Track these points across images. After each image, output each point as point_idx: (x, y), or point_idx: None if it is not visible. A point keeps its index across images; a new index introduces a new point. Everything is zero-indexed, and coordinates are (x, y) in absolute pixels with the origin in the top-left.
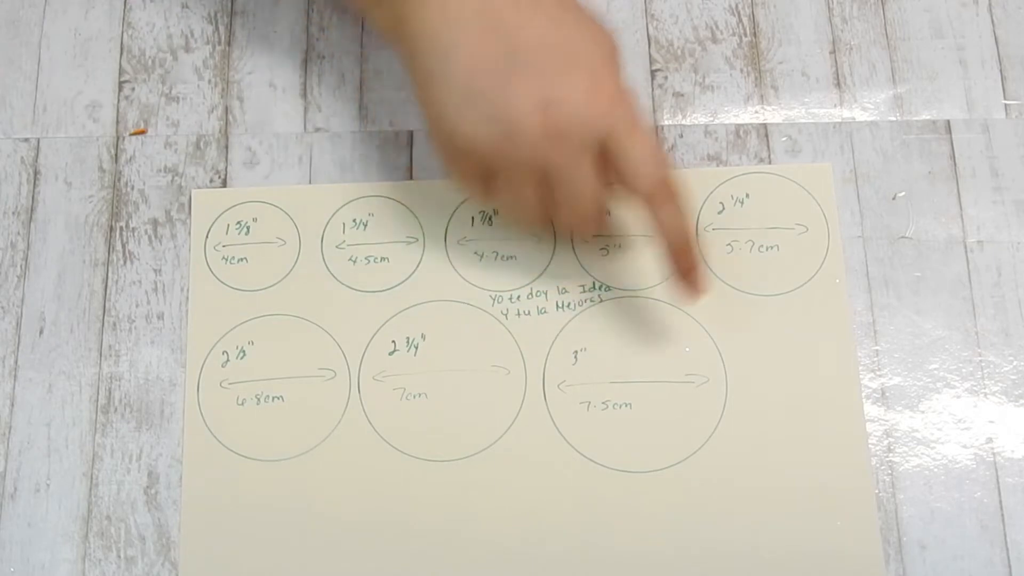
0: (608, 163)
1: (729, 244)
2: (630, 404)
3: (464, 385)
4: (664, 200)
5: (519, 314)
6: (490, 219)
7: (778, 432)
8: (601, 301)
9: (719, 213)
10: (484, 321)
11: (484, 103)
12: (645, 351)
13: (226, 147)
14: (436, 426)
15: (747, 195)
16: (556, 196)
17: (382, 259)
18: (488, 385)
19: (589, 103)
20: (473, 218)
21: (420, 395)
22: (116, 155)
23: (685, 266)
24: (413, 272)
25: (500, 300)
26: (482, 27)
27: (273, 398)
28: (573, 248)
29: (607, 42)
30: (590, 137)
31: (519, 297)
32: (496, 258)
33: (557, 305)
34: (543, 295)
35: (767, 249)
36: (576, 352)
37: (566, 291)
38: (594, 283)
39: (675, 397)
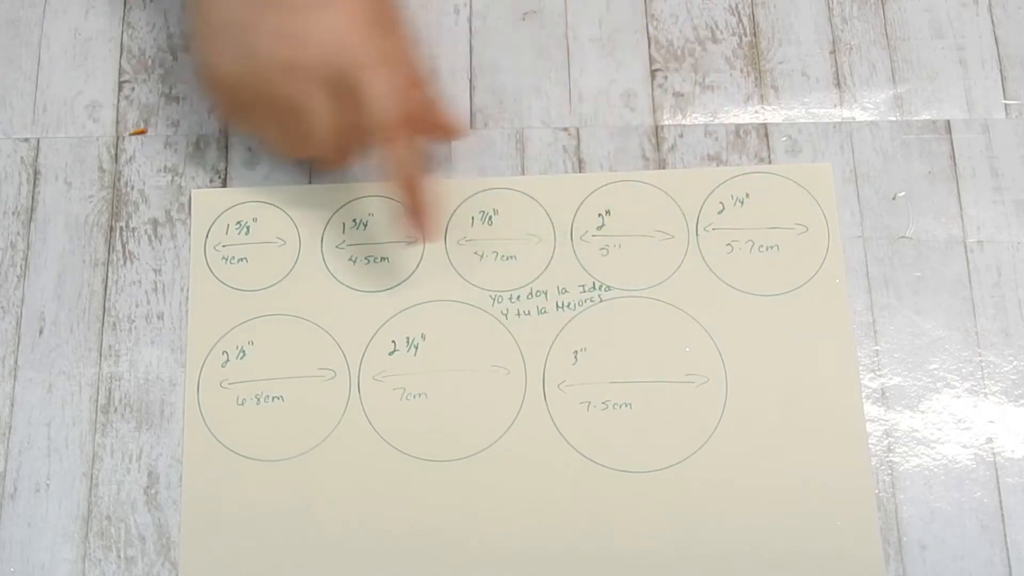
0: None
1: (729, 244)
2: (630, 404)
3: (464, 385)
4: (394, 138)
5: (519, 314)
6: (490, 219)
7: (778, 432)
8: (601, 301)
9: (719, 213)
10: (484, 321)
11: (233, 36)
12: (645, 351)
13: (226, 147)
14: (436, 426)
15: (747, 195)
16: (297, 129)
17: (382, 259)
18: (488, 385)
19: (331, 39)
20: (473, 218)
21: (420, 395)
22: (116, 155)
23: (410, 207)
24: (413, 272)
25: (500, 300)
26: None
27: (273, 398)
28: (573, 248)
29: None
30: (325, 71)
31: (519, 297)
32: (496, 258)
33: (557, 305)
34: (543, 295)
35: (767, 249)
36: (576, 352)
37: (566, 291)
38: (594, 283)
39: (675, 397)
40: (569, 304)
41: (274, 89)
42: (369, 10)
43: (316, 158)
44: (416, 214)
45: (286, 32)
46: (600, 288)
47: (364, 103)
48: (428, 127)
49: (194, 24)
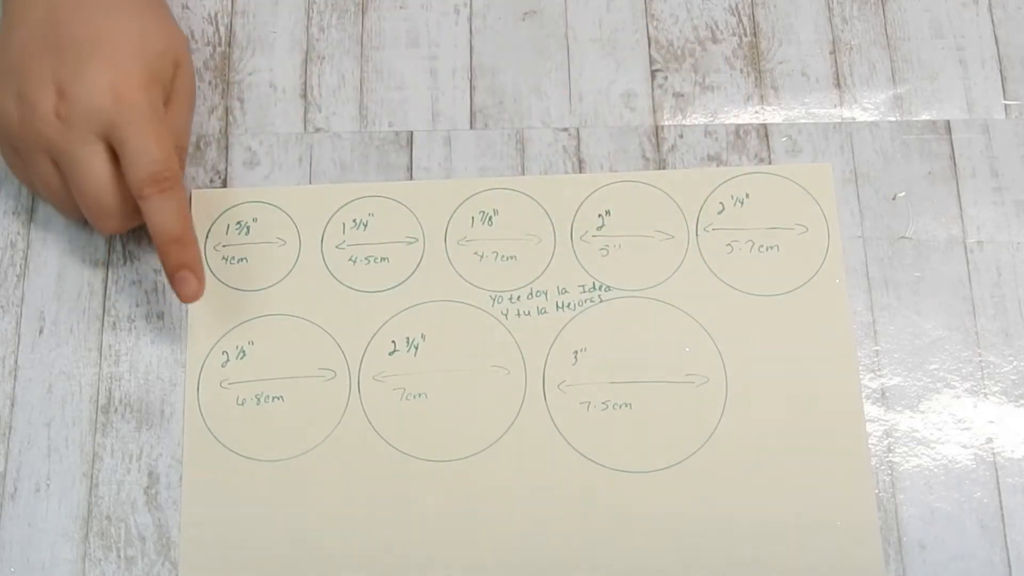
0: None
1: (729, 244)
2: (630, 404)
3: (464, 385)
4: (152, 196)
5: (519, 314)
6: (490, 219)
7: (778, 432)
8: (601, 301)
9: (719, 213)
10: (484, 321)
11: (15, 82)
12: (645, 351)
13: (226, 147)
14: (436, 426)
15: (747, 195)
16: (68, 178)
17: (382, 259)
18: (488, 385)
19: (99, 94)
20: (473, 218)
21: (420, 395)
22: None
23: (173, 263)
24: (413, 272)
25: (500, 300)
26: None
27: (273, 398)
28: (573, 248)
29: (159, 41)
30: (93, 127)
31: (519, 297)
32: (496, 258)
33: (557, 305)
34: (543, 295)
35: (767, 249)
36: (576, 352)
37: (566, 291)
38: (594, 283)
39: (675, 397)
40: (569, 304)
41: (48, 138)
42: (141, 67)
43: (90, 214)
44: (174, 272)
45: (58, 81)
46: (600, 288)
47: (124, 161)
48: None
49: None
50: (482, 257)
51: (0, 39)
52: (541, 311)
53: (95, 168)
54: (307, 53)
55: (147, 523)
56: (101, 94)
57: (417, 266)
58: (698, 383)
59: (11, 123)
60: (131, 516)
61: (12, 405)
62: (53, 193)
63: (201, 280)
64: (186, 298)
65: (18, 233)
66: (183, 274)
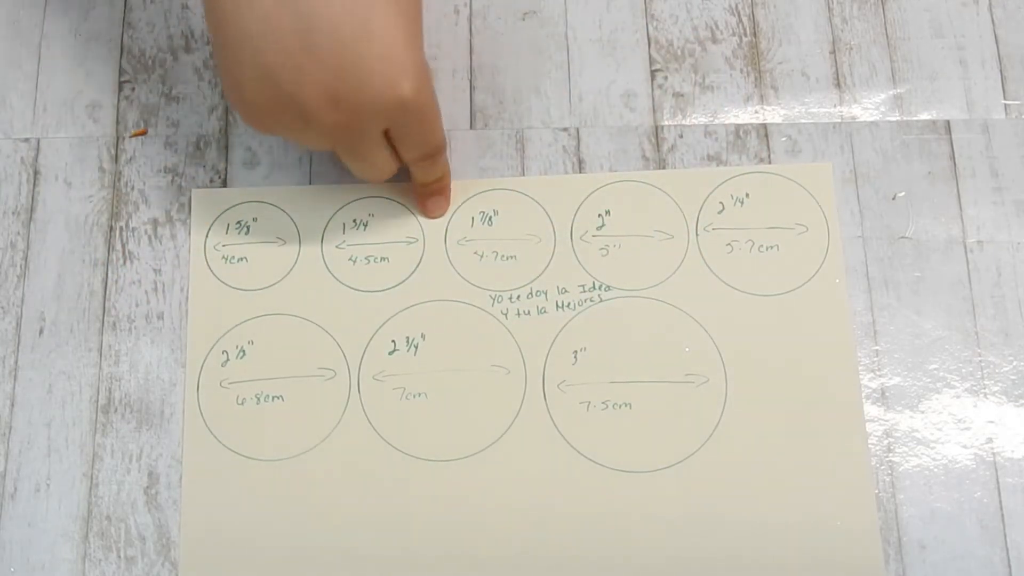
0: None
1: (729, 244)
2: (630, 404)
3: (464, 385)
4: (428, 160)
5: (519, 314)
6: (490, 219)
7: (778, 432)
8: (601, 301)
9: (719, 213)
10: (484, 321)
11: (274, 84)
12: (645, 351)
13: (226, 147)
14: (436, 426)
15: (747, 195)
16: (348, 162)
17: (382, 259)
18: (488, 385)
19: (377, 96)
20: (473, 218)
21: (420, 395)
22: (116, 155)
23: (428, 192)
24: (413, 272)
25: (500, 300)
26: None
27: (273, 398)
28: (573, 248)
29: (407, 11)
30: (376, 128)
31: (519, 297)
32: (496, 258)
33: (557, 305)
34: (543, 295)
35: (767, 249)
36: (576, 352)
37: (566, 291)
38: (594, 283)
39: (675, 397)
40: (569, 304)
41: (327, 138)
42: (404, 49)
43: (366, 179)
44: (437, 193)
45: (330, 89)
46: (600, 288)
47: (408, 154)
48: None
49: (227, 61)
50: (482, 257)
51: (223, 28)
52: (541, 311)
53: (378, 157)
54: None
55: (147, 523)
56: (381, 98)
57: (417, 266)
58: (698, 383)
59: (279, 121)
60: (131, 516)
61: (12, 405)
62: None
63: (449, 199)
64: (437, 215)
65: (18, 233)
66: (434, 199)
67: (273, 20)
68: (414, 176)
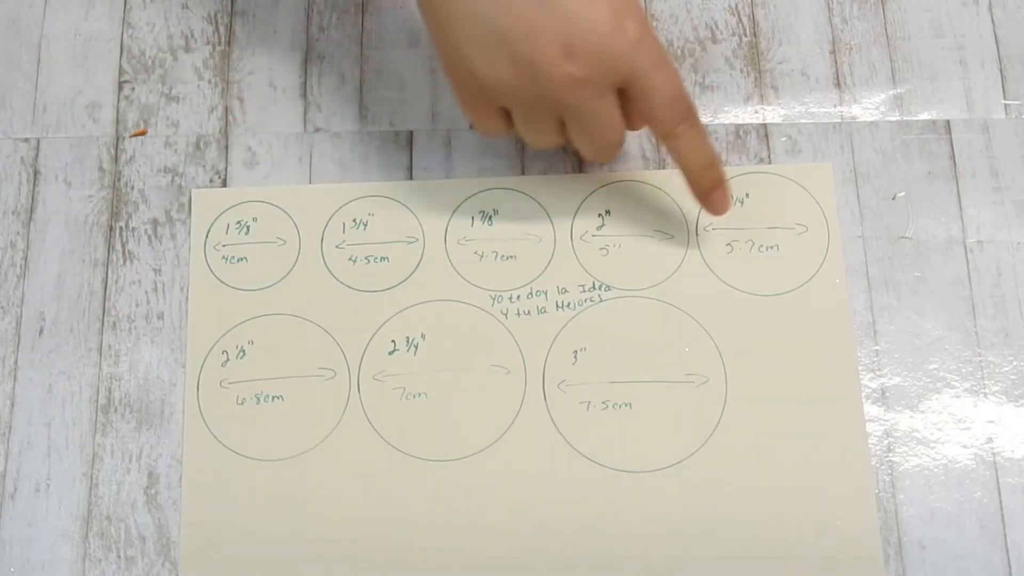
0: (629, 99)
1: (729, 244)
2: (630, 404)
3: (464, 385)
4: (684, 134)
5: (519, 314)
6: (490, 219)
7: (778, 432)
8: (601, 301)
9: None
10: (484, 321)
11: (507, 47)
12: (645, 351)
13: (226, 147)
14: (436, 426)
15: (747, 195)
16: (578, 130)
17: (382, 259)
18: (488, 385)
19: (611, 46)
20: (473, 218)
21: (420, 395)
22: (116, 155)
23: (708, 185)
24: (413, 272)
25: (500, 300)
26: None
27: (273, 398)
28: (573, 248)
29: None
30: (612, 80)
31: (519, 297)
32: (496, 258)
33: (557, 305)
34: (543, 295)
35: (767, 249)
36: (576, 352)
37: (566, 291)
38: (594, 283)
39: (675, 397)
40: (569, 304)
41: (560, 97)
42: (630, 2)
43: (591, 153)
44: (712, 191)
45: (564, 42)
46: (600, 288)
47: (652, 110)
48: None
49: (452, 33)
50: (482, 257)
51: (458, 6)
52: (541, 311)
53: (611, 119)
54: (307, 53)
55: (147, 523)
56: (615, 47)
57: (417, 266)
58: (698, 383)
59: (508, 87)
60: (131, 516)
61: (12, 405)
62: (550, 139)
63: (730, 195)
64: (719, 212)
65: (18, 233)
66: (717, 194)
67: None
68: (681, 159)
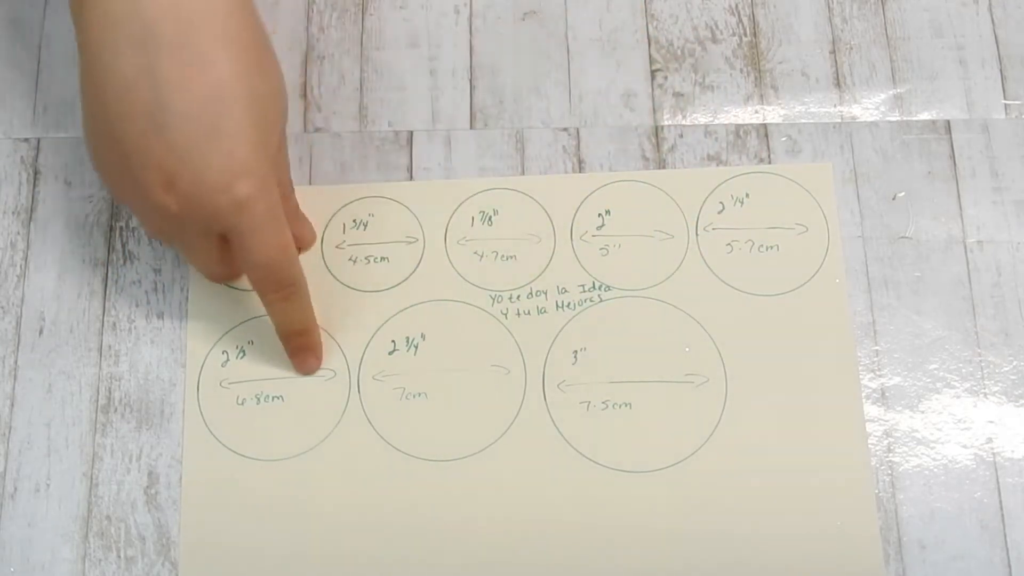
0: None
1: (729, 244)
2: (630, 404)
3: (464, 385)
4: (276, 303)
5: (519, 314)
6: (490, 219)
7: (778, 432)
8: (601, 301)
9: (719, 213)
10: (484, 321)
11: (123, 157)
12: (645, 351)
13: None
14: (436, 426)
15: (747, 195)
16: (183, 256)
17: (382, 259)
18: (488, 385)
19: (211, 200)
20: (473, 218)
21: (420, 395)
22: None
23: (293, 348)
24: (413, 272)
25: (500, 300)
26: (137, 66)
27: (273, 398)
28: (573, 248)
29: (270, 96)
30: (207, 227)
31: (519, 297)
32: (496, 258)
33: (557, 305)
34: (543, 295)
35: (767, 249)
36: (576, 352)
37: (566, 291)
38: (594, 283)
39: (675, 397)
40: (569, 304)
41: (163, 226)
42: (254, 145)
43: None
44: (297, 354)
45: (168, 175)
46: (600, 288)
47: (246, 266)
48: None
49: (85, 117)
50: (482, 257)
51: (86, 81)
52: (541, 311)
53: (206, 257)
54: (307, 53)
55: (147, 523)
56: (214, 202)
57: (417, 266)
58: (698, 383)
59: (121, 194)
60: (131, 516)
61: (12, 405)
62: (196, 263)
63: (320, 356)
64: (307, 372)
65: (18, 233)
66: (303, 355)
67: (132, 94)
68: (273, 321)
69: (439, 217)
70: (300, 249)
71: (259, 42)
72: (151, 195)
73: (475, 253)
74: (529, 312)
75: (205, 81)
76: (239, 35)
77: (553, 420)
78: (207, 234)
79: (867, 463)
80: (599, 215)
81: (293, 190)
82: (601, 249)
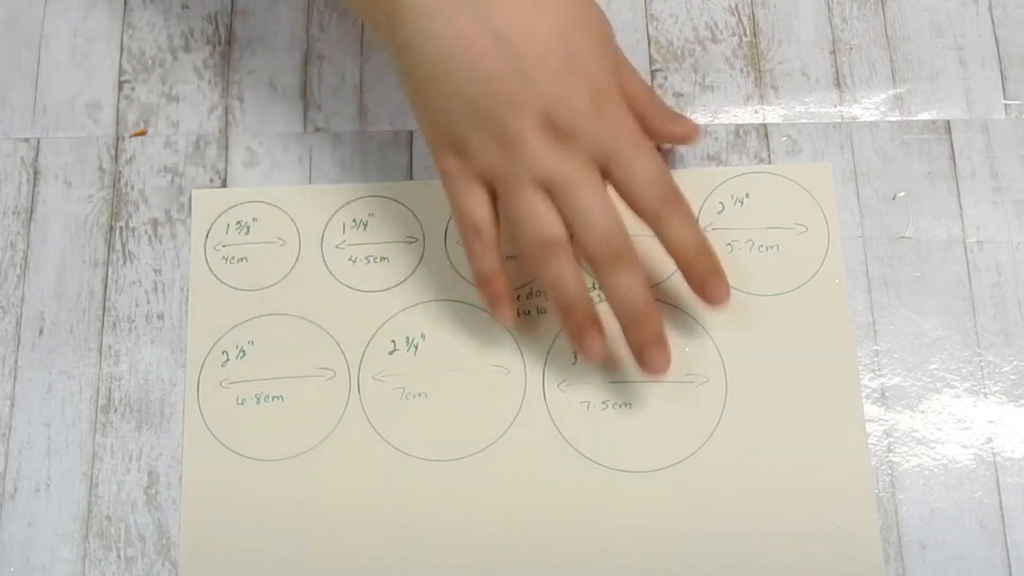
0: (611, 181)
1: (729, 244)
2: (630, 404)
3: (464, 385)
4: (670, 217)
5: (518, 313)
6: None
7: (778, 432)
8: (601, 301)
9: (719, 213)
10: (484, 321)
11: (489, 120)
12: None
13: (226, 147)
14: (436, 426)
15: (747, 195)
16: (569, 207)
17: (382, 259)
18: (488, 385)
19: (589, 126)
20: None
21: (420, 395)
22: (116, 155)
23: (702, 273)
24: (413, 272)
25: None
26: (479, 31)
27: (273, 398)
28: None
29: (604, 32)
30: (592, 156)
31: (519, 296)
32: None
33: None
34: (542, 295)
35: (767, 249)
36: (576, 352)
37: None
38: (593, 283)
39: (675, 397)
40: None
41: (543, 170)
42: (609, 71)
43: (595, 252)
44: (706, 283)
45: (544, 114)
46: (599, 288)
47: (635, 189)
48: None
49: (433, 106)
50: None
51: (429, 71)
52: (540, 311)
53: (596, 189)
54: (307, 53)
55: (147, 523)
56: (595, 121)
57: (417, 266)
58: (698, 383)
59: (490, 161)
60: (131, 516)
61: (12, 405)
62: (537, 232)
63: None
64: (718, 302)
65: (18, 233)
66: (714, 282)
67: (482, 54)
68: (670, 245)
69: (439, 217)
70: (687, 141)
71: None
72: (537, 143)
73: None
74: (529, 312)
75: (544, 21)
76: None
77: (553, 420)
78: (593, 165)
79: (867, 463)
80: None
81: (653, 92)
82: None
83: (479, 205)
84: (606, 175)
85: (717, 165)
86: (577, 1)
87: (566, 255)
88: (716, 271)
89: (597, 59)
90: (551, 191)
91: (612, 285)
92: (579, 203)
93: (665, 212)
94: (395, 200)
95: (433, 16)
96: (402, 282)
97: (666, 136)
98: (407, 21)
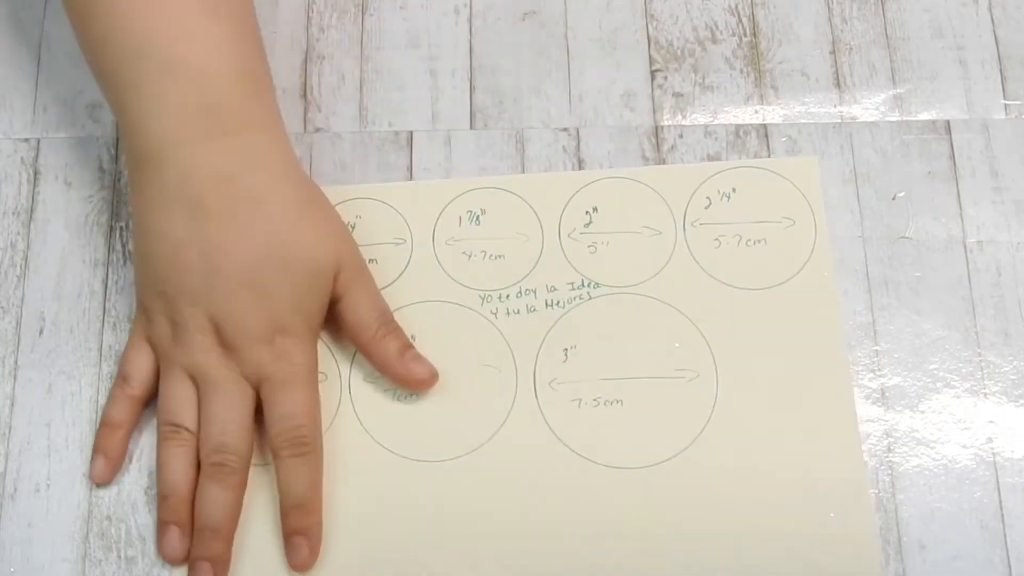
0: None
1: (716, 239)
2: (621, 400)
3: (455, 385)
4: (288, 462)
5: (508, 313)
6: (478, 219)
7: (769, 426)
8: (590, 298)
9: (706, 208)
10: (473, 320)
11: (171, 301)
12: (635, 347)
13: None
14: (427, 426)
15: (733, 189)
16: (202, 413)
17: (370, 261)
18: (479, 384)
19: (257, 344)
20: (460, 218)
21: (411, 395)
22: (116, 155)
23: (287, 528)
24: (402, 273)
25: (489, 299)
26: (187, 231)
27: None
28: (561, 246)
29: (310, 272)
30: (249, 374)
31: (508, 296)
32: (484, 257)
33: (546, 303)
34: (532, 293)
35: (755, 243)
36: (566, 350)
37: (555, 289)
38: (583, 280)
39: (666, 392)
40: (558, 302)
41: (198, 363)
42: (295, 308)
43: (214, 446)
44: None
45: (211, 322)
46: (589, 285)
47: (272, 422)
48: None
49: (137, 267)
50: (470, 256)
51: (141, 242)
52: (530, 309)
53: (244, 407)
54: (307, 53)
55: (147, 523)
56: (260, 346)
57: (405, 267)
58: (689, 378)
59: (162, 338)
60: (131, 516)
61: (12, 405)
62: (176, 406)
63: (315, 551)
64: (296, 567)
65: (18, 233)
66: (297, 540)
67: (182, 256)
68: (278, 483)
69: (427, 218)
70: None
71: (303, 208)
72: (195, 334)
73: (463, 253)
74: (519, 311)
75: (247, 250)
76: (282, 206)
77: (545, 418)
78: (241, 378)
79: (859, 455)
80: (587, 212)
81: (383, 315)
82: (589, 247)
83: (141, 363)
84: (259, 396)
85: None
86: (296, 241)
87: (183, 446)
88: (306, 533)
89: (289, 298)
90: (197, 385)
91: (200, 491)
92: (212, 406)
93: (286, 454)
94: (382, 201)
95: (158, 213)
96: (391, 283)
97: (388, 374)
98: (143, 174)
